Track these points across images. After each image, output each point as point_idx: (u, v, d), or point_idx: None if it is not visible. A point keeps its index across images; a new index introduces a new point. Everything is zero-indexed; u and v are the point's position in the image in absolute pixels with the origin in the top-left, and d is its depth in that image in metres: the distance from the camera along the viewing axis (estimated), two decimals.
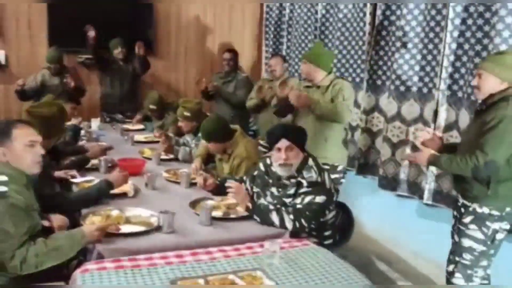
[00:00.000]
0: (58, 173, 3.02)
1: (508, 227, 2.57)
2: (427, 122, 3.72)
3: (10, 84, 5.39)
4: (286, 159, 2.50)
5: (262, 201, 2.68)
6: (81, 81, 5.30)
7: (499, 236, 2.55)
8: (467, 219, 2.58)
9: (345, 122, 3.58)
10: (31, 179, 2.14)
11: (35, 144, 2.11)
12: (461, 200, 2.64)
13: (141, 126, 5.08)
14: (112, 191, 2.65)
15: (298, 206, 2.45)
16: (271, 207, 2.50)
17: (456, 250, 2.65)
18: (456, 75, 3.50)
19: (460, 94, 3.46)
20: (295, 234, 2.44)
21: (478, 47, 3.31)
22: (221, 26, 6.34)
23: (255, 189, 2.80)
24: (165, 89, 5.87)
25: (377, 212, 4.23)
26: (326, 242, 2.64)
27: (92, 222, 2.29)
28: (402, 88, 3.93)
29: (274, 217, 2.43)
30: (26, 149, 2.07)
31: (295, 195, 2.51)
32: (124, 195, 2.75)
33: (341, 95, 3.40)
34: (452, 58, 3.51)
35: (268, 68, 4.89)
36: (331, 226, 2.66)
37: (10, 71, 5.41)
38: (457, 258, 2.64)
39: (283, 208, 2.46)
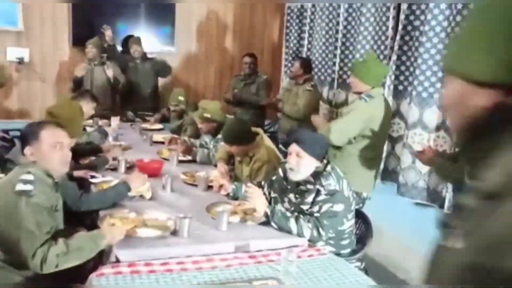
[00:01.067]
0: (77, 173, 3.04)
1: None
2: (449, 130, 3.65)
3: (34, 81, 5.49)
4: (293, 164, 2.49)
5: (279, 207, 2.66)
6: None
7: None
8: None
9: (335, 143, 3.24)
10: (57, 180, 2.17)
11: (63, 145, 2.16)
12: None
13: (160, 126, 5.10)
14: (130, 193, 2.65)
15: (316, 214, 2.42)
16: (289, 214, 2.47)
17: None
18: None
19: None
20: (313, 242, 2.41)
21: None
22: (241, 27, 6.34)
23: (273, 194, 2.78)
24: (184, 89, 5.87)
25: (396, 219, 4.16)
26: (343, 251, 2.60)
27: (110, 224, 2.30)
28: (424, 94, 3.86)
29: (292, 225, 2.41)
30: (53, 150, 2.12)
31: (312, 203, 2.48)
32: (141, 197, 2.75)
33: (345, 115, 3.31)
34: None
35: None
36: (349, 235, 2.62)
37: (34, 69, 5.48)
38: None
39: (301, 216, 2.44)
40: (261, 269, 2.08)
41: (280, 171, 2.76)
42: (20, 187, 1.98)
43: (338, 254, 2.52)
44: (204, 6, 6.12)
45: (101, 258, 2.18)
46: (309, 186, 2.52)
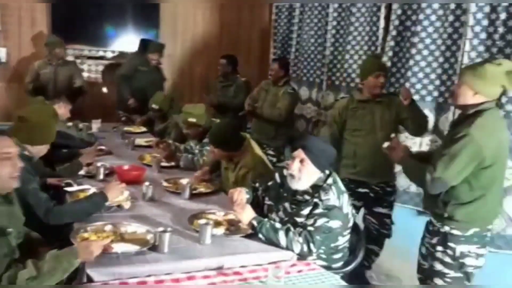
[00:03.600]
0: (51, 181, 2.86)
1: (484, 251, 2.32)
2: (442, 133, 3.54)
3: (11, 82, 5.29)
4: (294, 171, 2.34)
5: (273, 216, 2.50)
6: (83, 80, 5.17)
7: (469, 261, 2.29)
8: (434, 240, 2.37)
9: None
10: (5, 195, 1.93)
11: (12, 157, 1.90)
12: (428, 218, 2.48)
13: (143, 129, 4.92)
14: (107, 203, 2.48)
15: (309, 228, 2.26)
16: (278, 225, 2.31)
17: (429, 274, 2.40)
18: None
19: None
20: (302, 257, 2.25)
21: (499, 57, 3.12)
22: (228, 28, 6.19)
23: (267, 202, 2.62)
24: (170, 91, 5.71)
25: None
26: (335, 265, 2.45)
27: (83, 238, 2.13)
28: (416, 97, 3.73)
29: (281, 238, 2.24)
30: (1, 162, 1.86)
31: (308, 216, 2.32)
32: (119, 207, 2.58)
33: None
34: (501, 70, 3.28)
35: (270, 71, 4.75)
36: (342, 249, 2.47)
37: (11, 69, 5.28)
38: (428, 281, 2.40)
39: (291, 229, 2.28)
40: (246, 287, 1.93)
41: (277, 176, 2.60)
42: None
43: (329, 268, 2.38)
44: (190, 7, 5.96)
45: (74, 276, 2.01)
46: (307, 197, 2.37)
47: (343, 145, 3.30)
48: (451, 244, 2.30)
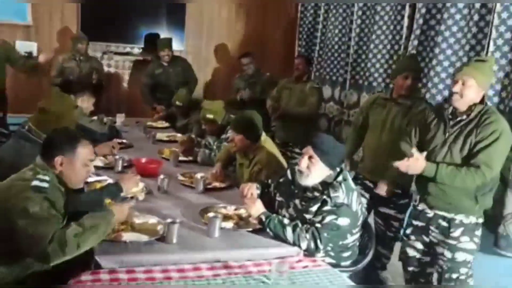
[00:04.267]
0: None
1: None
2: None
3: (42, 76, 5.44)
4: (303, 167, 2.35)
5: (283, 212, 2.51)
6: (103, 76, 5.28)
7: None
8: (456, 232, 2.52)
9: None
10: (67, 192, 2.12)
11: (91, 163, 2.19)
12: (440, 213, 2.57)
13: (165, 124, 5.00)
14: (122, 194, 2.54)
15: (317, 224, 2.26)
16: (287, 221, 2.32)
17: (453, 267, 2.56)
18: (497, 87, 3.22)
19: (501, 107, 3.19)
20: (309, 254, 2.25)
21: None
22: (253, 25, 6.21)
23: (278, 198, 2.63)
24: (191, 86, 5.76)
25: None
26: (344, 263, 2.44)
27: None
28: (439, 97, 3.67)
29: (289, 233, 2.25)
30: (84, 167, 2.12)
31: (316, 213, 2.32)
32: (133, 198, 2.63)
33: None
34: (495, 68, 3.23)
35: (294, 67, 4.75)
36: (351, 247, 2.46)
37: (42, 63, 5.42)
38: (453, 275, 2.56)
39: (299, 225, 2.28)
40: (251, 280, 1.95)
41: (288, 173, 2.61)
42: (36, 183, 1.94)
43: (338, 265, 2.37)
44: (215, 6, 6.01)
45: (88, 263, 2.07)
46: (316, 194, 2.38)
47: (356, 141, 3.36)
48: (476, 233, 2.53)
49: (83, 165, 2.11)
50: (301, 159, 2.39)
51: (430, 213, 2.61)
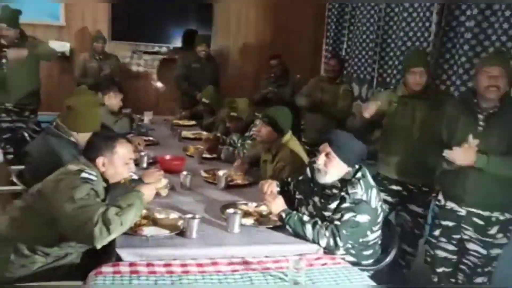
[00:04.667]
0: None
1: None
2: None
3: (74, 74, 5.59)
4: (321, 165, 2.34)
5: (303, 209, 2.51)
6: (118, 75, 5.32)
7: None
8: (493, 230, 2.52)
9: None
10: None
11: (130, 161, 2.27)
12: (474, 211, 2.53)
13: (192, 122, 5.05)
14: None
15: (336, 222, 2.25)
16: (306, 218, 2.31)
17: (486, 262, 2.58)
18: None
19: None
20: (329, 251, 2.24)
21: None
22: (280, 25, 6.20)
23: (298, 196, 2.63)
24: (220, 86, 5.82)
25: None
26: (365, 262, 2.42)
27: None
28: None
29: (308, 231, 2.24)
30: (124, 166, 2.22)
31: (335, 210, 2.30)
32: (157, 194, 2.67)
33: None
34: None
35: (327, 67, 4.71)
36: (373, 245, 2.43)
37: (74, 63, 5.58)
38: (485, 269, 2.59)
39: (319, 222, 2.27)
40: (268, 276, 1.95)
41: (308, 171, 2.61)
42: (85, 175, 2.05)
43: (359, 264, 2.35)
44: (243, 5, 6.04)
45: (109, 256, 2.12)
46: (335, 191, 2.36)
47: (381, 140, 3.22)
48: (510, 227, 2.54)
49: (123, 164, 2.22)
50: (319, 156, 2.37)
51: (462, 212, 2.58)
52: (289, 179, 2.75)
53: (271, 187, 2.54)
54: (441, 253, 2.70)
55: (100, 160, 2.16)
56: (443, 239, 2.68)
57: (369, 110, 3.04)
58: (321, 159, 2.35)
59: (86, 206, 1.93)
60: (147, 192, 2.16)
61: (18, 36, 4.09)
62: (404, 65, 3.16)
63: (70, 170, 2.09)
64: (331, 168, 2.33)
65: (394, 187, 3.14)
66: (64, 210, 1.93)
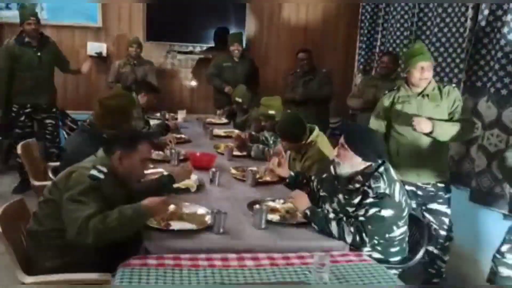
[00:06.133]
0: None
1: None
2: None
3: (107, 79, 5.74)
4: (336, 156, 2.39)
5: (327, 207, 2.51)
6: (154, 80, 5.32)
7: None
8: None
9: None
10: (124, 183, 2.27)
11: (147, 162, 2.35)
12: None
13: (225, 120, 5.11)
14: (176, 185, 2.64)
15: (361, 218, 2.24)
16: (332, 215, 2.31)
17: None
18: None
19: None
20: (356, 247, 2.23)
21: None
22: (314, 22, 6.18)
23: (322, 193, 2.63)
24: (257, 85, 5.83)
25: (469, 227, 3.77)
26: (392, 259, 2.39)
27: None
28: (504, 92, 3.47)
29: (333, 228, 2.24)
30: (142, 164, 2.27)
31: (359, 205, 2.29)
32: (187, 190, 2.73)
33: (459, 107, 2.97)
34: None
35: (381, 64, 4.69)
36: (400, 242, 2.41)
37: (111, 63, 5.73)
38: None
39: (344, 219, 2.27)
40: (292, 272, 1.96)
41: (332, 169, 2.60)
42: (94, 172, 2.09)
43: (386, 261, 2.33)
44: (275, 5, 6.05)
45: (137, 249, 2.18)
46: (357, 185, 2.35)
47: (389, 141, 3.12)
48: None
49: (140, 162, 2.24)
50: (336, 148, 2.42)
51: None
52: (312, 177, 2.76)
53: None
54: (506, 272, 2.49)
55: (117, 154, 2.19)
56: (509, 256, 2.49)
57: (422, 128, 2.86)
58: (337, 151, 2.38)
59: (80, 204, 1.98)
60: (151, 205, 2.09)
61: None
62: (408, 60, 3.00)
63: (82, 166, 2.15)
64: (344, 159, 2.34)
65: (407, 187, 2.99)
66: (63, 200, 2.02)
